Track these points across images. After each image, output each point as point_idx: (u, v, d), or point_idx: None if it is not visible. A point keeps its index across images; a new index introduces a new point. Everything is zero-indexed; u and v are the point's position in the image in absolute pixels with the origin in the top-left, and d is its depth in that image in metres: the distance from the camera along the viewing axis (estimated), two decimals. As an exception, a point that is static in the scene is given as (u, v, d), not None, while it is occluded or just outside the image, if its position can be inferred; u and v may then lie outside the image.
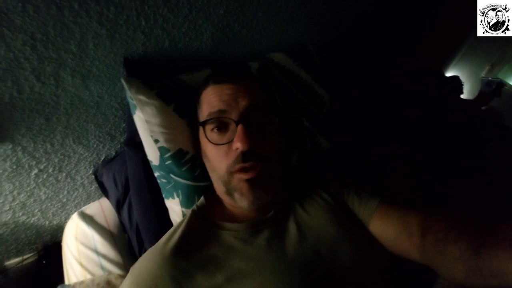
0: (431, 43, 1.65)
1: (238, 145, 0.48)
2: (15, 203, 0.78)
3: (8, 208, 0.78)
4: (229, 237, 0.51)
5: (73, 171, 0.82)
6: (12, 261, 0.93)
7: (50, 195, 0.82)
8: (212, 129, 0.52)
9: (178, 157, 0.59)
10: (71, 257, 0.70)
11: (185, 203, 0.61)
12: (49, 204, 0.84)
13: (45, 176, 0.77)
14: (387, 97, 1.00)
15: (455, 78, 1.40)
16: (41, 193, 0.80)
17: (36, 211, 0.84)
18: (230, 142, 0.50)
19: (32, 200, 0.80)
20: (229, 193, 0.52)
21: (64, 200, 0.86)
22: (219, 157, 0.51)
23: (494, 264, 0.37)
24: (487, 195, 0.63)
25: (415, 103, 0.97)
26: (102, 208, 0.79)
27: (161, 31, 0.69)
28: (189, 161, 0.59)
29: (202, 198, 0.59)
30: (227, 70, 0.59)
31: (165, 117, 0.58)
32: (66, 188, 0.83)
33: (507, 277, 0.35)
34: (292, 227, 0.52)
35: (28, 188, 0.76)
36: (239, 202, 0.51)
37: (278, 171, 0.56)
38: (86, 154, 0.81)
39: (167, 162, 0.59)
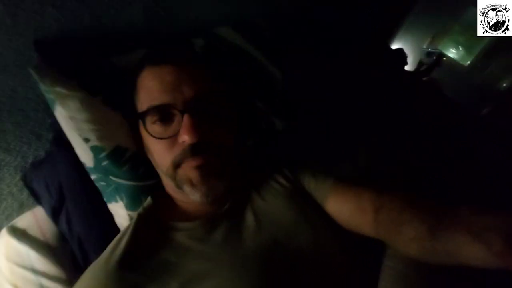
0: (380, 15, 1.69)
1: (185, 137, 0.43)
2: None
3: None
4: (182, 238, 0.46)
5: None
6: None
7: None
8: (154, 122, 0.45)
9: (115, 156, 0.51)
10: (3, 281, 0.60)
11: (130, 206, 0.54)
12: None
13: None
14: (342, 74, 1.00)
15: (400, 50, 1.46)
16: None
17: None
18: (175, 134, 0.44)
19: None
20: (179, 186, 0.47)
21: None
22: (162, 151, 0.46)
23: (450, 246, 0.37)
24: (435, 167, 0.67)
25: (367, 80, 0.98)
26: (36, 218, 0.68)
27: (78, 3, 0.57)
28: (129, 159, 0.52)
29: (149, 199, 0.53)
30: (166, 49, 0.51)
31: (93, 110, 0.49)
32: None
33: (461, 257, 0.36)
34: (249, 218, 0.49)
35: None
36: (190, 195, 0.46)
37: (234, 159, 0.52)
38: (9, 158, 0.68)
39: (104, 163, 0.51)
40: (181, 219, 0.49)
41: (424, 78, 1.67)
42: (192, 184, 0.45)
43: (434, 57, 1.52)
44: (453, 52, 1.79)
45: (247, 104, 0.74)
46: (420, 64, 1.65)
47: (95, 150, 0.51)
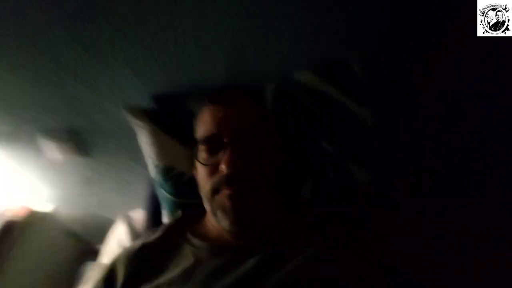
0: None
1: (223, 168, 0.47)
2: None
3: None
4: (188, 252, 0.50)
5: (131, 181, 1.04)
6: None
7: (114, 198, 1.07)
8: (203, 150, 0.53)
9: (164, 172, 0.67)
10: (107, 257, 0.87)
11: (168, 215, 0.68)
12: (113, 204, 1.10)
13: (108, 182, 1.01)
14: (445, 115, 0.76)
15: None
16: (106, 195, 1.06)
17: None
18: (217, 163, 0.49)
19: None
20: (214, 212, 0.51)
21: (124, 202, 1.09)
22: (205, 176, 0.52)
23: None
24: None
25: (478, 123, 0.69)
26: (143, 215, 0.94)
27: (176, 68, 0.78)
28: (173, 177, 0.66)
29: (179, 212, 0.63)
30: (225, 91, 0.60)
31: (156, 138, 0.69)
32: (126, 193, 1.06)
33: None
34: (249, 264, 0.44)
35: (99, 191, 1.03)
36: (221, 221, 0.49)
37: (273, 196, 0.52)
38: (139, 169, 1.01)
39: (157, 177, 0.69)
40: (198, 236, 0.53)
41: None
42: (224, 211, 0.48)
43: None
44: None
45: (310, 145, 0.70)
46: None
47: (155, 166, 0.70)
